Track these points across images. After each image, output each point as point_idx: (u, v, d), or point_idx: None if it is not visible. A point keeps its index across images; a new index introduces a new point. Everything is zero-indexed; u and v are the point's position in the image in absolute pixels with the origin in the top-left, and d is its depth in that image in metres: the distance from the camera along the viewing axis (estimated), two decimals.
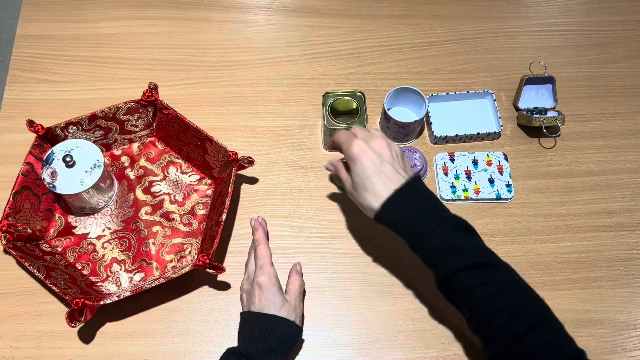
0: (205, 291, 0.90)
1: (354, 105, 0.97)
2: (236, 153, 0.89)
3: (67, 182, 0.88)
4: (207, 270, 0.83)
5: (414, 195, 0.75)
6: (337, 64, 1.11)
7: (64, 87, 1.07)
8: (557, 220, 0.97)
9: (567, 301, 0.90)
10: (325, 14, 1.17)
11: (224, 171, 0.93)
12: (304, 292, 0.89)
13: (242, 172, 0.98)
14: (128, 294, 0.81)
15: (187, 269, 0.82)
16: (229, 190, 0.87)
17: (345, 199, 0.97)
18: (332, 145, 0.83)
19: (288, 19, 1.16)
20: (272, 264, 0.84)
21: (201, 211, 0.95)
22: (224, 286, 0.90)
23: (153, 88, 0.95)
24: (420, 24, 1.16)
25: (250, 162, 0.92)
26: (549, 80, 1.05)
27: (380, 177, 0.74)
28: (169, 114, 0.95)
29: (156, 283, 0.82)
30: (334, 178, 0.99)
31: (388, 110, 0.99)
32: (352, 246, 0.94)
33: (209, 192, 0.97)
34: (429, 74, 1.10)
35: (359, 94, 0.97)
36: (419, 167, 0.96)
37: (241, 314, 0.82)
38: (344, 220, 0.96)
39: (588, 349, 0.85)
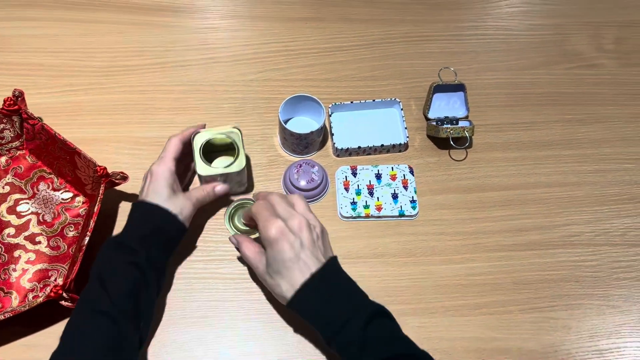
0: None
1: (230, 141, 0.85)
2: (105, 168, 0.80)
3: None
4: (62, 303, 0.73)
5: (328, 282, 0.68)
6: (237, 69, 1.03)
7: None
8: (465, 239, 0.89)
9: (472, 328, 0.83)
10: (227, 16, 1.08)
11: (97, 188, 0.83)
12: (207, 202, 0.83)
13: (122, 188, 0.88)
14: None
15: (40, 300, 0.72)
16: (95, 210, 0.78)
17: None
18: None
19: (185, 20, 1.07)
20: (174, 159, 0.80)
21: (72, 232, 0.85)
22: None
23: (18, 96, 0.85)
24: (328, 27, 1.08)
25: (123, 177, 0.82)
26: (460, 87, 0.98)
27: (298, 265, 0.67)
28: (34, 124, 0.85)
29: (1, 317, 0.72)
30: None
31: (285, 122, 0.91)
32: (240, 271, 0.85)
33: (82, 211, 0.87)
34: (336, 81, 1.03)
35: (235, 130, 0.84)
36: (318, 181, 0.88)
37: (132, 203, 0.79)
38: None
39: None
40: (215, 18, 1.08)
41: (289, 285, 0.68)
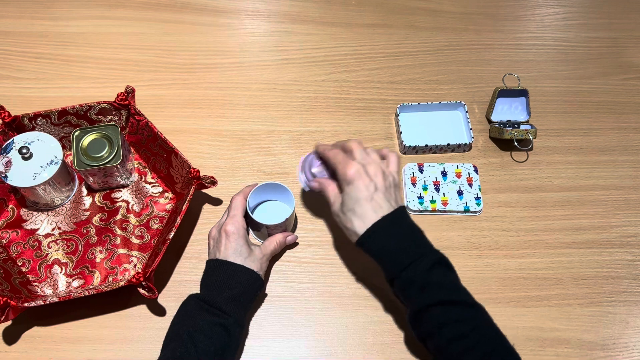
0: (158, 298, 0.86)
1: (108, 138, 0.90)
2: (198, 171, 0.84)
3: (20, 175, 0.84)
4: (139, 290, 0.78)
5: (399, 225, 0.74)
6: (309, 70, 1.09)
7: (27, 84, 1.04)
8: (526, 235, 0.94)
9: (533, 318, 0.87)
10: (299, 20, 1.15)
11: (186, 187, 0.88)
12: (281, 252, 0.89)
13: (207, 190, 0.94)
14: (55, 300, 0.77)
15: (121, 284, 0.78)
16: (183, 208, 0.83)
17: (312, 206, 0.95)
18: (321, 155, 0.82)
19: (262, 24, 1.14)
20: (243, 216, 0.83)
21: (156, 225, 0.91)
22: (178, 297, 0.85)
23: (130, 92, 0.92)
24: (395, 33, 1.15)
25: (213, 182, 0.87)
26: (523, 93, 1.03)
27: (371, 204, 0.74)
28: (140, 121, 0.92)
29: (86, 293, 0.78)
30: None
31: (252, 210, 0.87)
32: (315, 255, 0.91)
33: (169, 206, 0.93)
34: (401, 84, 1.08)
35: (113, 124, 0.91)
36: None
37: (207, 261, 0.81)
38: (306, 229, 0.93)
39: None
40: (288, 22, 1.15)
41: (361, 221, 0.74)
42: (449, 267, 0.75)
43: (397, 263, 0.73)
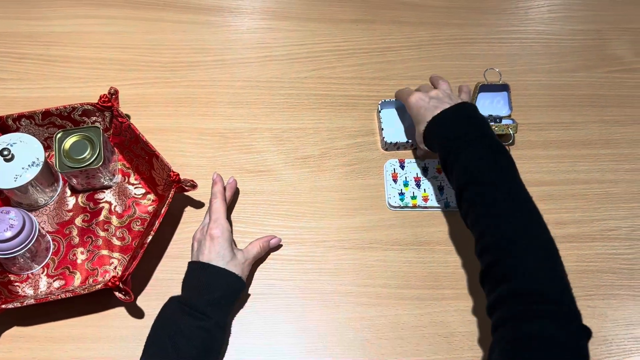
0: (140, 296, 0.87)
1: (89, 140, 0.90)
2: (178, 174, 0.85)
3: (1, 176, 0.85)
4: (116, 293, 0.78)
5: (457, 115, 0.83)
6: (292, 67, 1.09)
7: (10, 84, 1.04)
8: None
9: None
10: (282, 17, 1.15)
11: (168, 190, 0.88)
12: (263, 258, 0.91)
13: (189, 193, 0.95)
14: (32, 302, 0.78)
15: (98, 287, 0.79)
16: (162, 212, 0.83)
17: (292, 204, 0.95)
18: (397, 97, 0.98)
19: (244, 21, 1.14)
20: (226, 218, 0.84)
21: (138, 227, 0.92)
22: (160, 295, 0.86)
23: (113, 94, 0.92)
24: (378, 29, 1.15)
25: (193, 185, 0.87)
26: (504, 87, 1.03)
27: (429, 109, 0.85)
28: (123, 122, 0.92)
29: (63, 296, 0.78)
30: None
31: None
32: (295, 253, 0.92)
33: (150, 208, 0.93)
34: (384, 80, 1.09)
35: (96, 125, 0.91)
36: (19, 227, 0.80)
37: (189, 263, 0.82)
38: (288, 226, 0.94)
39: None
40: (271, 19, 1.15)
41: (424, 123, 0.86)
42: (499, 150, 0.80)
43: (449, 148, 0.80)
